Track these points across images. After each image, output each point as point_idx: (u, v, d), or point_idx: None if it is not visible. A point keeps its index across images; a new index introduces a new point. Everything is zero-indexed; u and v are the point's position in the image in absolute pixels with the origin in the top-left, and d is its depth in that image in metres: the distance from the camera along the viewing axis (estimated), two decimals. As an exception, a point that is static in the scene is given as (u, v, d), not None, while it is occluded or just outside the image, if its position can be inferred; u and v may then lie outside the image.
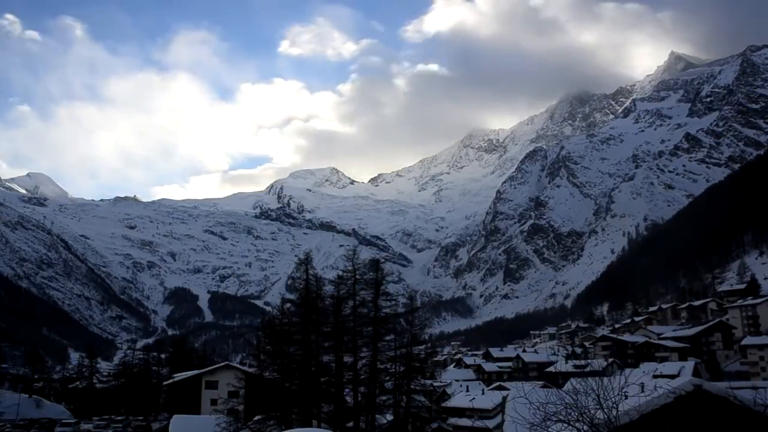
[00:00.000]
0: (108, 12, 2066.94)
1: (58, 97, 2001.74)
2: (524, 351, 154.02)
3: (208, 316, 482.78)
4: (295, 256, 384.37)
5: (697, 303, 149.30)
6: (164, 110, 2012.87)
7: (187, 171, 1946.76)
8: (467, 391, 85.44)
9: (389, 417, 44.99)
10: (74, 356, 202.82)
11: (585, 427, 13.70)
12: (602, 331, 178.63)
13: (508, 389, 75.24)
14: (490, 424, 63.36)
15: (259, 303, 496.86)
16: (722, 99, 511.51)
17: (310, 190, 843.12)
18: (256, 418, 45.18)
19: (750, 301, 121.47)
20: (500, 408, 65.60)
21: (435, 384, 62.28)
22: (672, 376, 59.79)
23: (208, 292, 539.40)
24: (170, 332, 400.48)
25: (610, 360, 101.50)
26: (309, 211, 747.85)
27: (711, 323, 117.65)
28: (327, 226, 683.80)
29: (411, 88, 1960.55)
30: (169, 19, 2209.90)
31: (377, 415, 44.20)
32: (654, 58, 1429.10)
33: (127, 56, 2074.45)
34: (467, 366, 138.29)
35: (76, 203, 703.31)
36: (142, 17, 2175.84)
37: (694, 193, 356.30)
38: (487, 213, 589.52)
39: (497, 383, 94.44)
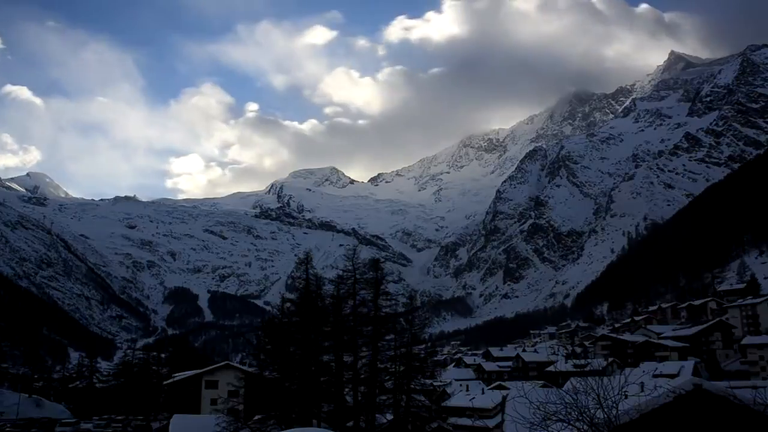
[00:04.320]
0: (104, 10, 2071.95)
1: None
2: (524, 350, 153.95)
3: (208, 316, 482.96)
4: (295, 255, 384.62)
5: (696, 302, 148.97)
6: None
7: (186, 167, 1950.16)
8: (467, 390, 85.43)
9: (389, 416, 44.97)
10: (74, 356, 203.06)
11: (585, 427, 13.70)
12: (602, 330, 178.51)
13: (508, 389, 75.34)
14: (490, 423, 63.38)
15: (259, 302, 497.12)
16: (722, 98, 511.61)
17: (309, 190, 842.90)
18: (256, 417, 45.16)
19: (750, 300, 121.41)
20: (500, 407, 65.66)
21: (435, 383, 62.13)
22: (672, 376, 59.85)
23: (208, 291, 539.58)
24: (170, 332, 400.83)
25: (610, 359, 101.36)
26: (309, 211, 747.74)
27: (711, 323, 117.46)
28: (327, 226, 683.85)
29: (411, 87, 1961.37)
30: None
31: (377, 415, 44.18)
32: (654, 57, 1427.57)
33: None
34: (467, 365, 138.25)
35: (76, 203, 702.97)
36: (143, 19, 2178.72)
37: (694, 192, 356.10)
38: (487, 212, 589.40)
39: (497, 383, 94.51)
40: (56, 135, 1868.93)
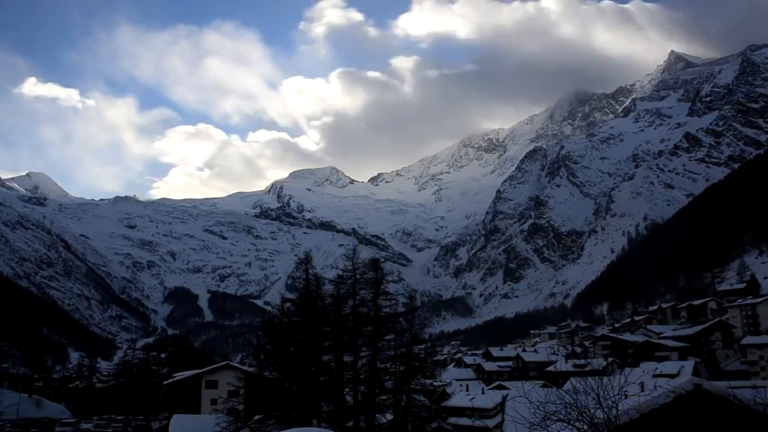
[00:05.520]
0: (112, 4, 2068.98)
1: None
2: (524, 350, 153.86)
3: (208, 316, 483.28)
4: (295, 255, 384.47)
5: (696, 302, 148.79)
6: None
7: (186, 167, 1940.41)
8: (467, 390, 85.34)
9: (389, 416, 44.98)
10: (74, 356, 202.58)
11: (585, 427, 13.70)
12: (602, 330, 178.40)
13: (508, 388, 75.31)
14: (490, 423, 63.35)
15: (259, 302, 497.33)
16: (722, 98, 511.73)
17: (309, 190, 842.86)
18: (256, 417, 45.18)
19: (750, 300, 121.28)
20: (500, 407, 65.61)
21: (435, 383, 62.17)
22: (672, 376, 59.84)
23: (208, 291, 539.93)
24: (170, 332, 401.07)
25: (610, 359, 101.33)
26: (309, 211, 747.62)
27: (711, 323, 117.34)
28: (327, 226, 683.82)
29: (411, 87, 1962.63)
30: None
31: (377, 415, 44.20)
32: (654, 57, 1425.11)
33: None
34: (467, 365, 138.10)
35: (76, 203, 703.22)
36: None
37: (694, 192, 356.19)
38: (487, 212, 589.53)
39: (497, 382, 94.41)
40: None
